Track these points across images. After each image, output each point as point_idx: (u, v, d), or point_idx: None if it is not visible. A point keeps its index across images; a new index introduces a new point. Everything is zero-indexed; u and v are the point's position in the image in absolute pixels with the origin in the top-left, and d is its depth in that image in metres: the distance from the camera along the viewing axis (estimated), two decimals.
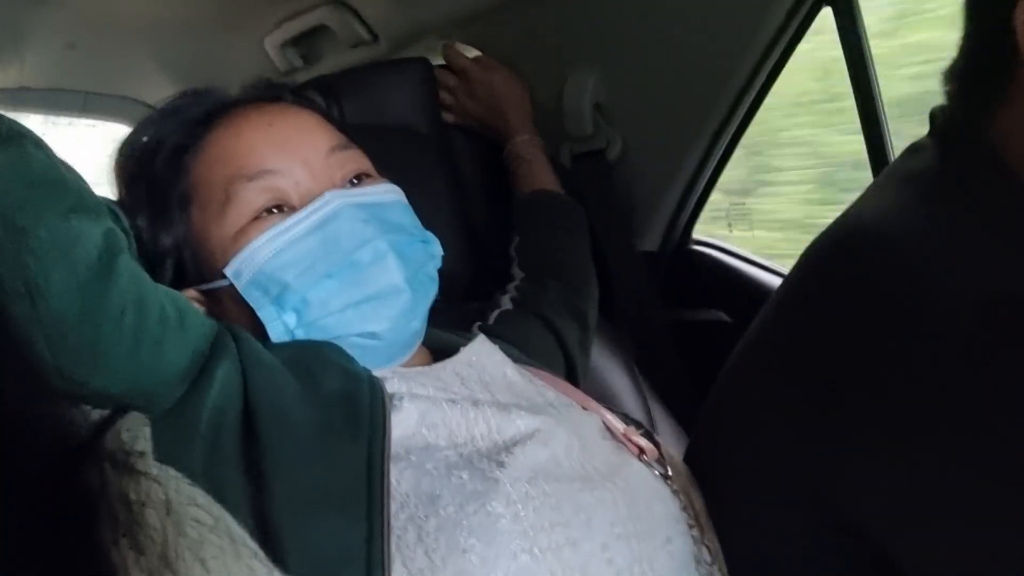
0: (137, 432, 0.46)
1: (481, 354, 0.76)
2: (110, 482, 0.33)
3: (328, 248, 0.67)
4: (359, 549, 0.53)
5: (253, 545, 0.37)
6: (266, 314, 0.67)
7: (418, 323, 0.72)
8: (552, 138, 1.20)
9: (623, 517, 0.61)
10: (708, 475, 0.71)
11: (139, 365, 0.54)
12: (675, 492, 0.68)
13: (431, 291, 0.73)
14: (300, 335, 0.68)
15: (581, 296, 1.04)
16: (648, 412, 1.13)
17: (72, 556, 0.30)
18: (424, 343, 0.77)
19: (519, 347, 0.85)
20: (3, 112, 0.51)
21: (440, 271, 0.75)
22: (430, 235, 0.75)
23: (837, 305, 0.61)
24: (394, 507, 0.56)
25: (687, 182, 1.21)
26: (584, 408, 0.75)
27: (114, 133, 1.48)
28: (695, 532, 0.67)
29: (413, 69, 1.16)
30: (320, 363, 0.64)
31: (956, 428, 0.52)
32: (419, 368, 0.72)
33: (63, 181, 0.52)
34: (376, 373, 0.66)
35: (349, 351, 0.67)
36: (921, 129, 0.66)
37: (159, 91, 1.42)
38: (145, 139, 0.74)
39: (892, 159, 0.98)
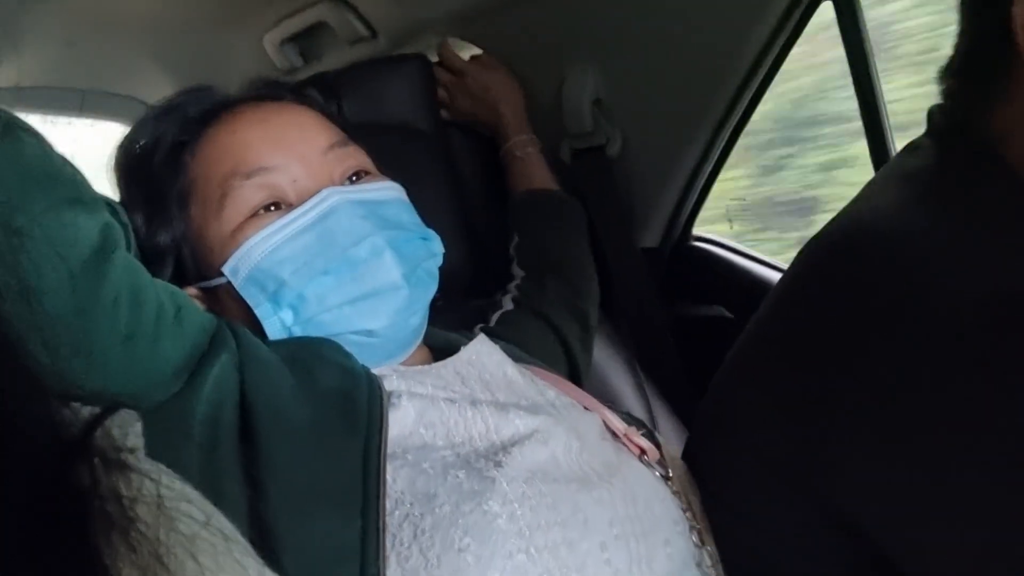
0: (128, 428, 0.46)
1: (481, 353, 0.76)
2: (101, 479, 0.32)
3: (325, 244, 0.67)
4: (354, 547, 0.53)
5: (244, 542, 0.37)
6: (263, 311, 0.67)
7: (417, 320, 0.72)
8: (552, 135, 1.20)
9: (622, 518, 0.60)
10: (706, 473, 0.71)
11: (134, 359, 0.53)
12: (675, 494, 0.68)
13: (431, 288, 0.73)
14: (297, 332, 0.67)
15: (582, 294, 1.04)
16: (649, 410, 1.13)
17: (64, 554, 0.30)
18: (425, 341, 0.77)
19: (521, 347, 0.85)
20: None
21: (440, 269, 0.75)
22: (431, 232, 0.75)
23: (835, 303, 0.60)
24: (389, 505, 0.56)
25: (687, 178, 1.21)
26: (585, 408, 0.74)
27: (113, 132, 1.48)
28: (695, 535, 0.66)
29: (412, 66, 1.16)
30: (318, 360, 0.64)
31: (955, 427, 0.52)
32: (419, 367, 0.72)
33: (58, 173, 0.52)
34: (375, 371, 0.66)
35: (347, 348, 0.67)
36: None
37: (158, 89, 1.41)
38: (144, 137, 0.74)
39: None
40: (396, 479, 0.58)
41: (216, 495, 0.50)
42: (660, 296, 1.25)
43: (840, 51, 1.00)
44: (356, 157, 0.74)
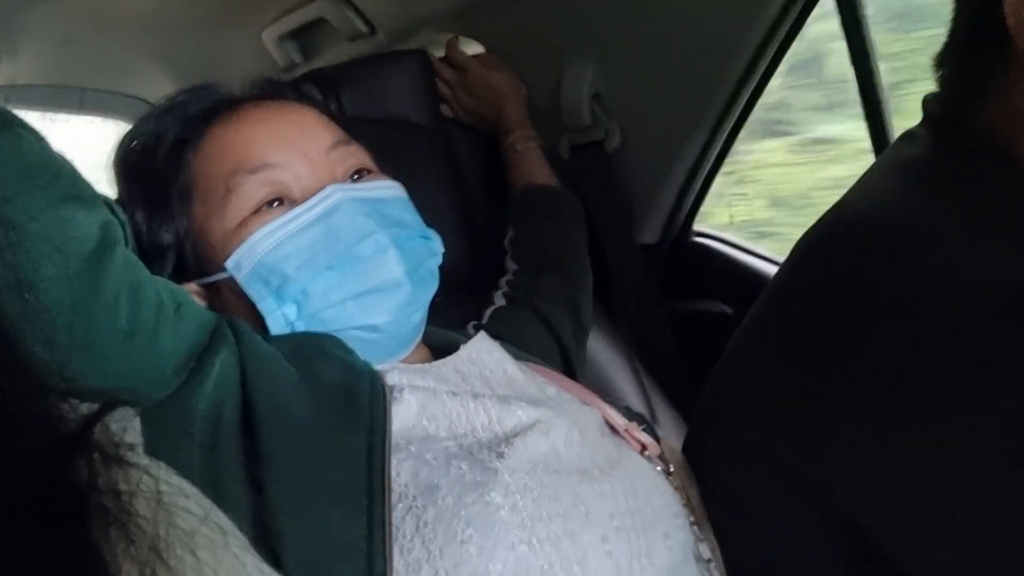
0: (127, 424, 0.46)
1: (481, 351, 0.76)
2: (99, 474, 0.32)
3: (330, 240, 0.67)
4: (360, 541, 0.53)
5: (243, 537, 0.37)
6: (266, 306, 0.67)
7: (418, 317, 0.72)
8: (551, 130, 1.20)
9: (622, 511, 0.60)
10: (705, 469, 0.71)
11: (134, 355, 0.53)
12: (676, 488, 0.68)
13: (432, 286, 0.73)
14: (300, 327, 0.67)
15: (575, 286, 1.04)
16: (649, 405, 1.13)
17: (63, 550, 0.30)
18: (424, 340, 0.77)
19: (515, 342, 0.85)
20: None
21: (440, 266, 0.75)
22: (431, 231, 0.75)
23: (833, 298, 0.60)
24: (393, 498, 0.56)
25: (687, 173, 1.20)
26: (585, 403, 0.74)
27: (112, 130, 1.48)
28: (695, 528, 0.66)
29: (411, 62, 1.16)
30: (320, 355, 0.64)
31: (954, 425, 0.51)
32: (419, 365, 0.72)
33: (57, 170, 0.52)
34: (377, 368, 0.66)
35: (349, 344, 0.67)
36: None
37: (157, 87, 1.41)
38: (145, 135, 0.74)
39: None
40: (400, 472, 0.58)
41: (217, 493, 0.50)
42: (660, 292, 1.25)
43: None
44: (358, 156, 0.74)
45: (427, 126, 1.14)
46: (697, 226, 1.32)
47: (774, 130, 1.66)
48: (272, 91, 0.79)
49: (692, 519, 0.67)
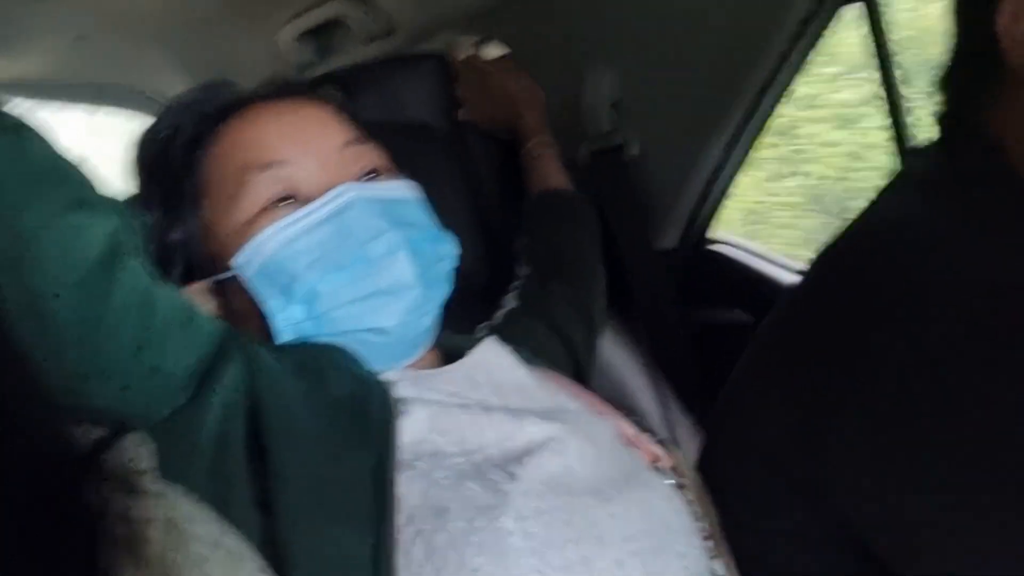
0: (139, 450, 0.45)
1: (492, 357, 0.75)
2: (110, 500, 0.31)
3: (340, 240, 0.66)
4: (366, 561, 0.51)
5: (258, 559, 0.36)
6: (273, 305, 0.66)
7: (428, 321, 0.71)
8: (569, 135, 1.19)
9: (637, 532, 0.59)
10: (716, 478, 0.71)
11: (141, 368, 0.52)
12: (689, 503, 0.67)
13: (444, 290, 0.72)
14: (307, 328, 0.66)
15: (587, 291, 1.03)
16: (664, 412, 1.12)
17: (72, 574, 0.29)
18: (436, 344, 0.75)
19: (526, 346, 0.83)
20: (14, 103, 0.50)
21: (455, 270, 0.74)
22: (446, 234, 0.74)
23: (834, 296, 0.62)
24: (402, 520, 0.54)
25: (707, 180, 1.20)
26: (598, 414, 0.73)
27: (127, 126, 1.48)
28: (709, 544, 0.65)
29: (429, 66, 1.15)
30: (329, 367, 0.62)
31: (956, 429, 0.52)
32: (429, 370, 0.71)
33: (64, 175, 0.50)
34: (385, 374, 0.65)
35: (357, 347, 0.65)
36: None
37: (171, 84, 1.41)
38: (160, 133, 0.74)
39: None
40: (409, 492, 0.56)
41: (226, 511, 0.49)
42: (677, 299, 1.24)
43: None
44: (372, 155, 0.73)
45: (444, 131, 1.13)
46: (714, 232, 1.31)
47: None
48: (288, 89, 0.77)
49: (707, 536, 0.66)
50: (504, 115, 1.17)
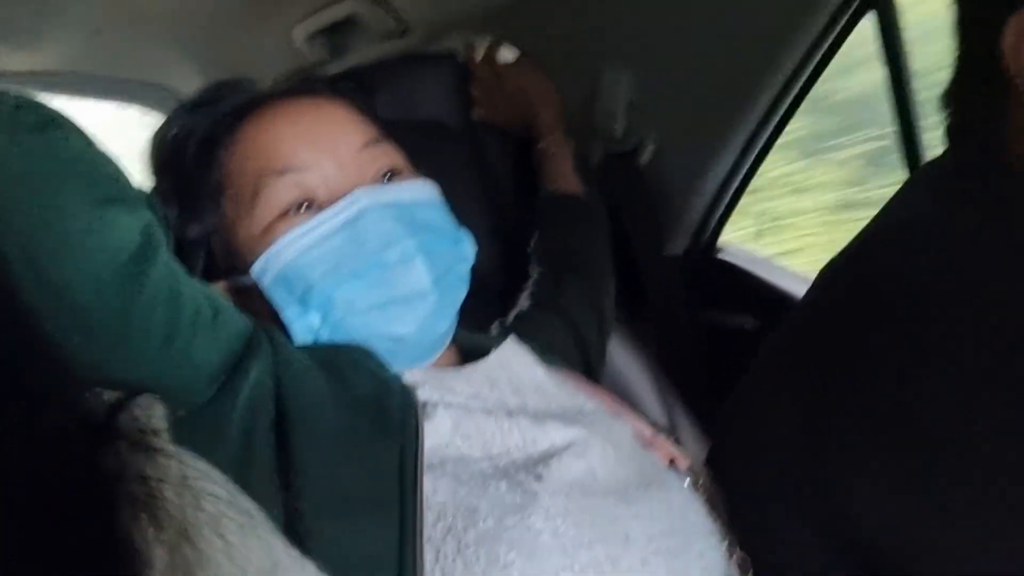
0: (151, 410, 0.45)
1: (511, 357, 0.75)
2: (127, 461, 0.32)
3: (355, 247, 0.66)
4: (391, 553, 0.52)
5: (268, 520, 0.36)
6: (290, 313, 0.66)
7: (445, 325, 0.71)
8: (583, 136, 1.19)
9: (660, 532, 0.60)
10: (725, 479, 0.71)
11: (169, 363, 0.52)
12: (705, 502, 0.67)
13: (461, 292, 0.72)
14: (324, 335, 0.67)
15: (599, 289, 1.03)
16: (669, 415, 1.12)
17: (93, 537, 0.29)
18: (454, 341, 0.76)
19: (540, 344, 0.84)
20: (32, 95, 0.50)
21: (471, 269, 0.74)
22: (463, 234, 0.74)
23: (838, 297, 0.63)
24: (432, 517, 0.55)
25: (717, 187, 1.20)
26: (616, 415, 0.73)
27: (143, 120, 1.48)
28: (726, 543, 0.66)
29: (445, 65, 1.15)
30: (352, 366, 0.63)
31: (953, 424, 0.52)
32: (449, 370, 0.71)
33: (98, 170, 0.50)
34: (406, 375, 0.66)
35: (376, 353, 0.66)
36: None
37: (187, 80, 1.41)
38: (176, 130, 0.73)
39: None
40: (437, 490, 0.56)
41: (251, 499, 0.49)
42: (685, 304, 1.24)
43: None
44: (390, 155, 0.73)
45: (460, 130, 1.13)
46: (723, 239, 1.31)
47: None
48: (305, 87, 0.77)
49: (724, 535, 0.66)
50: (519, 113, 1.17)
